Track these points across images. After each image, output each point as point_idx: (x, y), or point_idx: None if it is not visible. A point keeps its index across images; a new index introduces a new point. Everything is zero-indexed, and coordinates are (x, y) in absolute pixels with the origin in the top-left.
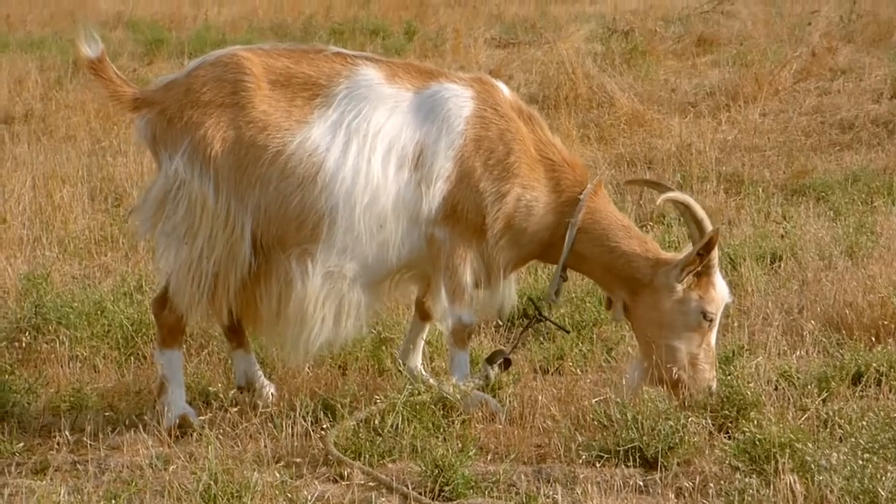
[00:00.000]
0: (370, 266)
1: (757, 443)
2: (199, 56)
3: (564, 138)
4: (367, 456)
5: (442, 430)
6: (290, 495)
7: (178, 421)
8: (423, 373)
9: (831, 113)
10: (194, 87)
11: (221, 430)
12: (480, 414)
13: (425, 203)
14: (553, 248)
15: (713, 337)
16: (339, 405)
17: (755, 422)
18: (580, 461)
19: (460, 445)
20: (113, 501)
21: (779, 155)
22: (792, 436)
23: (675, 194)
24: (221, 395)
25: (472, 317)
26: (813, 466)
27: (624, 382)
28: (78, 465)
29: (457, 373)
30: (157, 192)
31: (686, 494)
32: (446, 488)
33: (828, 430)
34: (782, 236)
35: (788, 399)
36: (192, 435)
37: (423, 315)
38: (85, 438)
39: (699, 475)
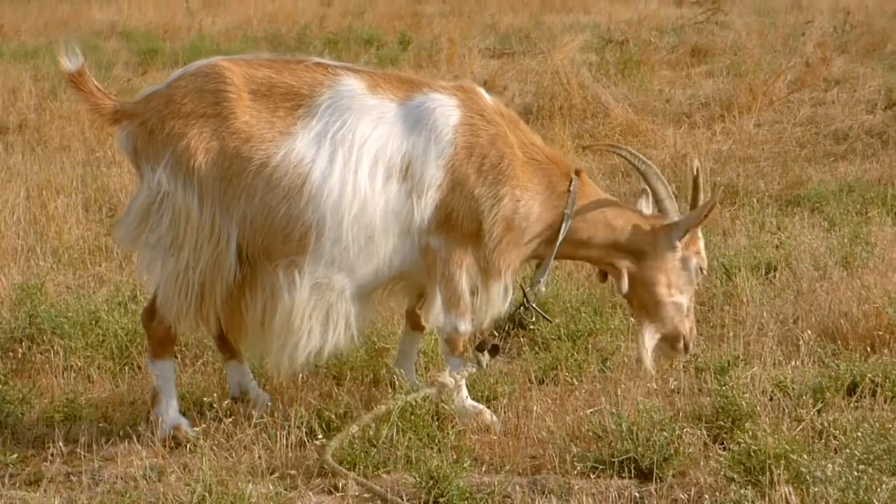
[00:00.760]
0: (359, 277)
1: (752, 454)
2: None
3: (559, 148)
4: (361, 467)
5: (437, 441)
6: None
7: (172, 432)
8: (417, 382)
9: (826, 123)
10: (175, 97)
11: (216, 441)
12: (475, 425)
13: (417, 213)
14: (550, 245)
15: None
16: (333, 416)
17: (750, 433)
18: (575, 472)
19: (455, 456)
20: None
21: (773, 165)
22: (787, 447)
23: (697, 163)
24: (216, 406)
25: (468, 325)
26: (808, 478)
27: (642, 353)
28: (72, 477)
29: (447, 379)
30: (141, 203)
31: None
32: (441, 500)
33: (823, 441)
34: (777, 247)
35: (783, 410)
36: (186, 446)
37: (416, 325)
38: (79, 449)
39: (694, 486)
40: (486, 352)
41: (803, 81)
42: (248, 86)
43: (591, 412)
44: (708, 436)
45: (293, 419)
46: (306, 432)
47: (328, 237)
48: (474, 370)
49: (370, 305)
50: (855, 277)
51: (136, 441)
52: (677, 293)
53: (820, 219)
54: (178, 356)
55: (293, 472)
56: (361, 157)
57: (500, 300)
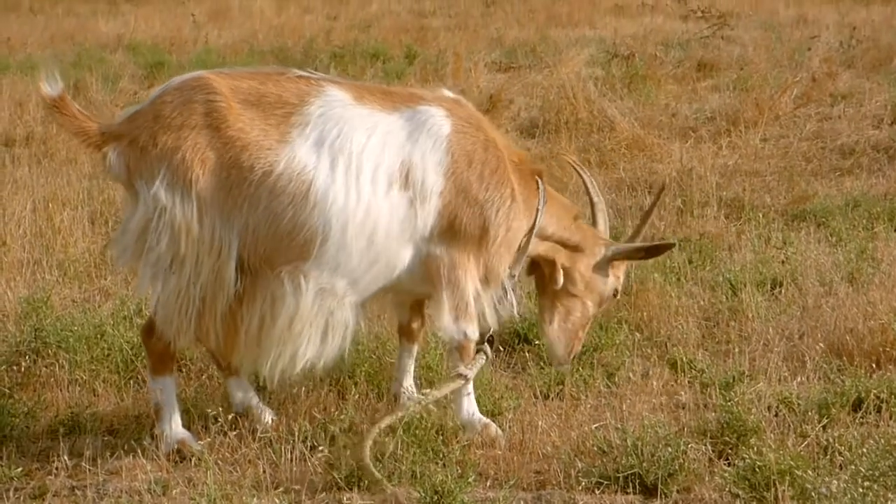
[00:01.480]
0: (359, 284)
1: (757, 470)
2: None
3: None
4: (365, 481)
5: (441, 455)
6: None
7: (176, 446)
8: (417, 395)
9: (832, 138)
10: (164, 112)
11: (220, 456)
12: (481, 438)
13: (420, 221)
14: (526, 235)
15: None
16: (338, 430)
17: (755, 448)
18: (580, 488)
19: (460, 471)
20: None
21: (779, 180)
22: (792, 463)
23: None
24: (220, 420)
25: (476, 331)
26: (813, 494)
27: (549, 337)
28: (76, 490)
29: (466, 395)
30: (138, 222)
31: None
32: None
33: (828, 457)
34: (783, 262)
35: (789, 425)
36: (190, 460)
37: (410, 338)
38: (84, 463)
39: (699, 502)
40: (486, 343)
41: (809, 96)
42: (235, 96)
43: (595, 427)
44: (713, 451)
45: (297, 433)
46: (310, 447)
47: (333, 242)
48: (484, 361)
49: (363, 316)
50: (861, 293)
51: (140, 455)
52: (589, 296)
53: (826, 234)
54: (183, 370)
55: (297, 486)
56: (362, 165)
57: (493, 305)
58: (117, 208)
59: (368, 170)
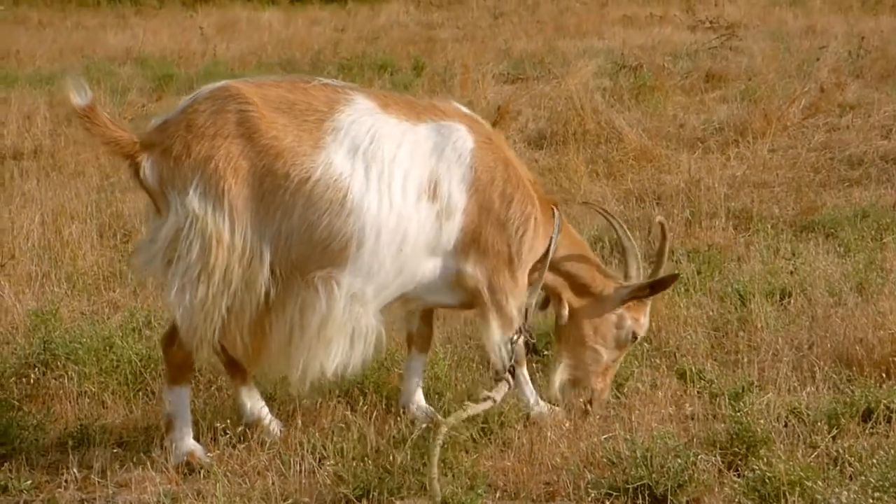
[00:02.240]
0: (384, 291)
1: (766, 480)
2: None
3: (573, 174)
4: (375, 493)
5: (451, 467)
6: None
7: (186, 458)
8: (426, 405)
9: (840, 149)
10: (196, 122)
11: (229, 467)
12: (551, 423)
13: (444, 234)
14: (541, 262)
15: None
16: (346, 441)
17: (765, 459)
18: (589, 499)
19: (469, 483)
20: None
21: (788, 191)
22: (802, 473)
23: (662, 219)
24: (229, 432)
25: (521, 343)
26: None
27: (552, 383)
28: (86, 503)
29: (525, 387)
30: (167, 232)
31: None
32: None
33: (838, 467)
34: (792, 272)
35: (798, 436)
36: (200, 472)
37: (421, 348)
38: (93, 475)
39: None
40: (507, 372)
41: (818, 107)
42: (266, 104)
43: (605, 438)
44: (722, 462)
45: (306, 445)
46: (319, 459)
47: (367, 249)
48: (507, 389)
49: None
50: (870, 304)
51: (150, 467)
52: (601, 343)
53: (835, 244)
54: (192, 382)
55: (306, 498)
56: (393, 173)
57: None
58: (125, 221)
59: (399, 178)
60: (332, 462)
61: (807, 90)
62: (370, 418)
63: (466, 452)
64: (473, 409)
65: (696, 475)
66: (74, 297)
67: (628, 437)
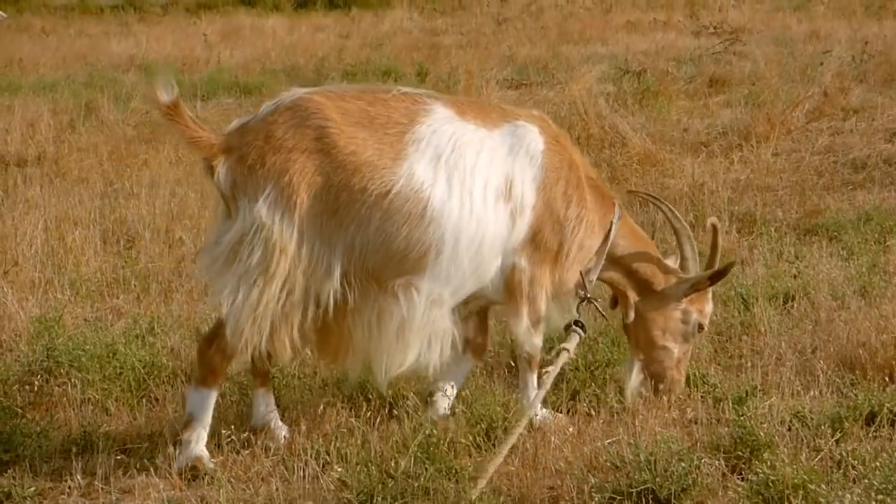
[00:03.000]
0: (459, 292)
1: (770, 484)
2: (215, 98)
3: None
4: (378, 498)
5: (455, 472)
6: None
7: (192, 463)
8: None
9: (844, 152)
10: (276, 133)
11: (233, 473)
12: (554, 428)
13: (515, 232)
14: (598, 255)
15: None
16: (350, 447)
17: (768, 463)
18: (593, 503)
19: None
20: None
21: (791, 194)
22: (805, 477)
23: (715, 220)
24: (233, 438)
25: (541, 342)
26: None
27: (626, 384)
28: None
29: (527, 389)
30: (233, 236)
31: None
32: None
33: (841, 471)
34: (795, 276)
35: (802, 440)
36: (203, 478)
37: (477, 351)
38: (96, 482)
39: None
40: (573, 325)
41: (821, 111)
42: (346, 119)
43: (608, 442)
44: (726, 466)
45: (310, 451)
46: (323, 465)
47: (446, 255)
48: (579, 339)
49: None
50: (873, 307)
51: (153, 474)
52: (671, 340)
53: (838, 248)
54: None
55: (310, 503)
56: (474, 180)
57: (559, 316)
58: (129, 227)
59: (480, 184)
60: (335, 468)
61: (810, 94)
62: (373, 424)
63: (470, 457)
64: (553, 369)
65: (699, 479)
66: (78, 303)
67: (632, 441)
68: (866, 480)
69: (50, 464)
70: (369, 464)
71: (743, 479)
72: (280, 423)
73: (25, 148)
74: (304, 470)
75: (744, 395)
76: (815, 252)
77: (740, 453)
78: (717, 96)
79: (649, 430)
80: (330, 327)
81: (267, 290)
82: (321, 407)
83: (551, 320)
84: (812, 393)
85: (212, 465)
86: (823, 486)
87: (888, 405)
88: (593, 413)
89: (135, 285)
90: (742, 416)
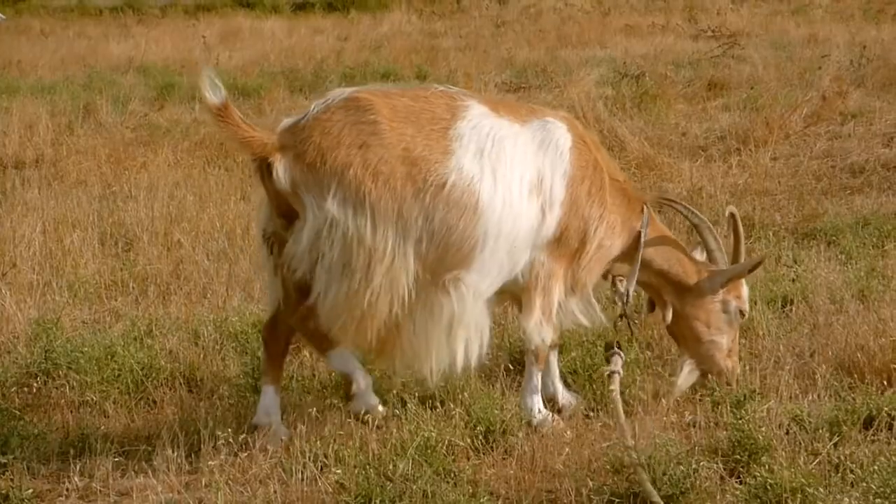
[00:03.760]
0: (495, 284)
1: (768, 487)
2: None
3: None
4: (377, 501)
5: (453, 475)
6: None
7: (366, 409)
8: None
9: (842, 157)
10: (331, 130)
11: (231, 476)
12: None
13: (544, 228)
14: (630, 258)
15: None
16: (348, 449)
17: (767, 466)
18: None
19: (471, 490)
20: None
21: (789, 199)
22: (803, 480)
23: (733, 209)
24: (231, 440)
25: (551, 337)
26: None
27: (677, 379)
28: None
29: (530, 385)
30: (309, 234)
31: None
32: None
33: (839, 474)
34: (793, 280)
35: (800, 443)
36: (200, 480)
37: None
38: (94, 484)
39: None
40: (614, 348)
41: (819, 115)
42: (394, 114)
43: (607, 446)
44: (724, 469)
45: (308, 453)
46: (321, 467)
47: (489, 248)
48: (622, 359)
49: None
50: (871, 311)
51: (151, 476)
52: (717, 333)
53: (836, 252)
54: (194, 391)
55: None
56: (513, 174)
57: (578, 313)
58: (127, 230)
59: (516, 179)
60: (333, 470)
61: (808, 99)
62: (371, 426)
63: (468, 459)
64: (616, 396)
65: (698, 482)
66: (76, 305)
67: (631, 444)
68: (864, 484)
69: (48, 466)
70: (367, 466)
71: (741, 483)
72: (281, 425)
73: (24, 150)
74: (302, 472)
75: (742, 399)
76: (813, 256)
77: (738, 457)
78: (715, 100)
79: (648, 434)
80: (390, 321)
81: (353, 280)
82: (320, 410)
83: (570, 318)
84: (810, 396)
85: (382, 412)
86: (821, 490)
87: (886, 409)
88: (592, 416)
89: (133, 288)
90: (740, 419)
